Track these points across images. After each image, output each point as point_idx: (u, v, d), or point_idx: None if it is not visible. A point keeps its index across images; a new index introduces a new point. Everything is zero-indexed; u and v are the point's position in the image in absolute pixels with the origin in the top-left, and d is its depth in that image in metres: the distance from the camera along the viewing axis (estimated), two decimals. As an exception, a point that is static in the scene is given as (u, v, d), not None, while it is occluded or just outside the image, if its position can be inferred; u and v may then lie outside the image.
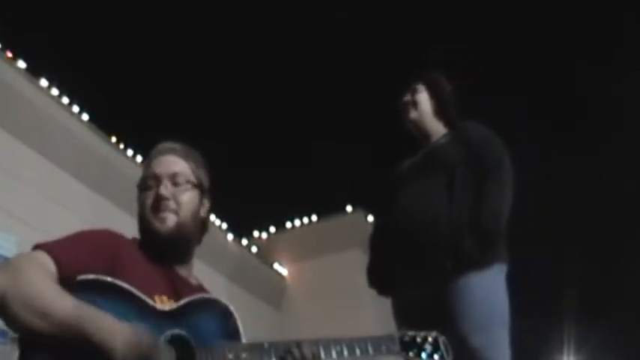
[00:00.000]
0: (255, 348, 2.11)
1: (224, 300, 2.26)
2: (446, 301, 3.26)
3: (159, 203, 2.37)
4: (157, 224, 2.36)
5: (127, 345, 1.90)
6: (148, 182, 2.42)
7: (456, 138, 3.58)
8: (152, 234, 2.36)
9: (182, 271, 2.41)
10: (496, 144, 3.54)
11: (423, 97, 3.75)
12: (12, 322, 1.93)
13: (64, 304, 1.94)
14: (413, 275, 3.37)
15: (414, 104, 3.74)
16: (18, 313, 1.90)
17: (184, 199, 2.41)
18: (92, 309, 1.95)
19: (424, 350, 2.42)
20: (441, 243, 3.29)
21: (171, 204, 2.38)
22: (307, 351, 2.18)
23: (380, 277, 3.69)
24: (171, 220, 2.36)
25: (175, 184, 2.41)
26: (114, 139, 9.33)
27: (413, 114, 3.74)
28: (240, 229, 12.40)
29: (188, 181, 2.44)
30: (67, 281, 2.01)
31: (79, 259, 2.07)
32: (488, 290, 3.29)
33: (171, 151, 2.49)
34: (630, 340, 15.07)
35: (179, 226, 2.37)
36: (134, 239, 2.41)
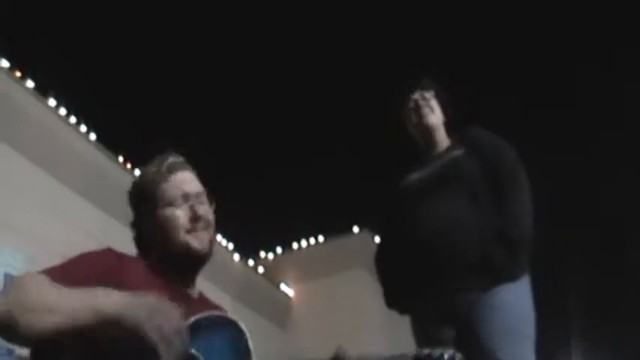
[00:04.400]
0: None
1: (234, 317, 2.25)
2: (475, 316, 3.19)
3: (197, 223, 2.36)
4: (195, 244, 2.34)
5: (146, 305, 1.89)
6: (175, 200, 2.39)
7: (469, 148, 3.49)
8: (187, 253, 2.34)
9: (192, 291, 2.41)
10: (507, 151, 3.47)
11: (435, 105, 3.64)
12: (25, 332, 1.89)
13: (68, 294, 1.93)
14: (440, 291, 3.28)
15: (431, 107, 3.62)
16: (28, 320, 1.87)
17: (212, 219, 2.43)
18: (97, 289, 1.95)
19: None
20: (472, 258, 3.22)
21: (205, 223, 2.38)
22: None
23: (400, 296, 3.59)
24: (207, 239, 2.37)
25: (201, 202, 2.41)
26: (121, 159, 9.36)
27: (431, 119, 3.60)
28: (247, 249, 12.43)
29: (206, 199, 2.46)
30: None
31: (80, 278, 2.05)
32: (518, 304, 3.24)
33: (186, 168, 2.49)
34: (636, 341, 15.02)
35: (211, 245, 2.39)
36: (138, 258, 2.40)
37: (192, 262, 2.37)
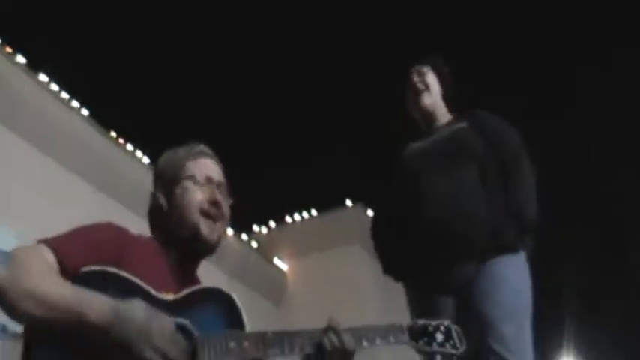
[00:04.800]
0: (259, 337, 2.10)
1: (227, 290, 2.24)
2: (479, 287, 3.20)
3: (213, 209, 2.36)
4: (205, 230, 2.33)
5: (122, 320, 1.88)
6: (198, 178, 2.40)
7: (473, 125, 3.50)
8: (195, 235, 2.33)
9: (193, 272, 2.41)
10: (514, 134, 3.49)
11: (432, 80, 3.65)
12: (13, 312, 1.92)
13: (62, 291, 1.92)
14: (448, 261, 3.28)
15: (427, 87, 3.63)
16: (19, 304, 1.89)
17: (227, 213, 2.43)
18: (90, 292, 1.94)
19: (435, 339, 2.37)
20: (480, 231, 3.22)
21: (220, 214, 2.38)
22: (346, 337, 2.18)
23: (397, 263, 3.58)
24: (218, 231, 2.37)
25: (221, 193, 2.42)
26: (114, 134, 9.33)
27: (427, 99, 3.62)
28: (240, 224, 12.43)
29: (227, 195, 2.46)
30: (71, 273, 2.00)
31: (81, 252, 2.05)
32: (519, 278, 3.26)
33: (214, 158, 2.51)
34: (629, 340, 15.12)
35: (220, 237, 2.39)
36: (143, 235, 2.38)
37: (198, 247, 2.36)
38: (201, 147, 2.52)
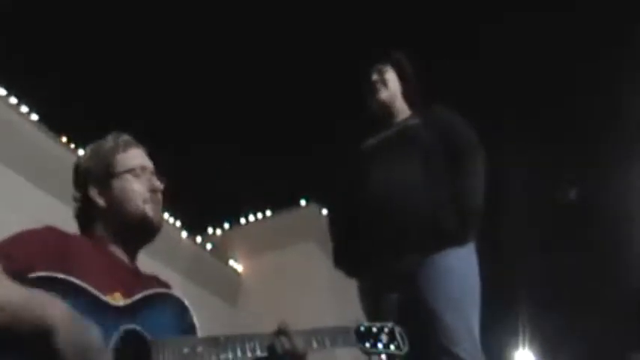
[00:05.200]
0: (211, 342, 2.11)
1: (178, 294, 2.25)
2: (423, 277, 3.23)
3: (156, 195, 2.42)
4: (151, 213, 2.38)
5: (71, 333, 1.81)
6: (135, 170, 2.43)
7: (428, 120, 3.56)
8: (144, 223, 2.37)
9: (136, 265, 2.42)
10: (466, 126, 3.55)
11: (392, 77, 3.73)
12: None
13: (12, 290, 1.85)
14: (390, 253, 3.32)
15: (384, 84, 3.71)
16: None
17: (162, 195, 2.47)
18: (44, 293, 1.88)
19: (380, 341, 2.43)
20: (422, 221, 3.26)
21: (161, 198, 2.44)
22: (297, 340, 2.21)
23: (348, 258, 3.63)
24: (160, 213, 2.43)
25: (157, 179, 2.47)
26: (64, 139, 9.25)
27: (384, 94, 3.69)
28: (194, 226, 12.39)
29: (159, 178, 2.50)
30: (16, 279, 1.92)
31: (24, 257, 2.01)
32: (465, 268, 3.30)
33: (139, 146, 2.54)
34: (579, 330, 15.33)
35: (162, 219, 2.45)
36: (82, 236, 2.38)
37: (146, 232, 2.41)
38: (125, 137, 2.53)
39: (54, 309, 1.85)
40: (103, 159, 2.45)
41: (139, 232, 2.39)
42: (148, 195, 2.40)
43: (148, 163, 2.49)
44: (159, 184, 2.45)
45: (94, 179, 2.42)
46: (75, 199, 2.47)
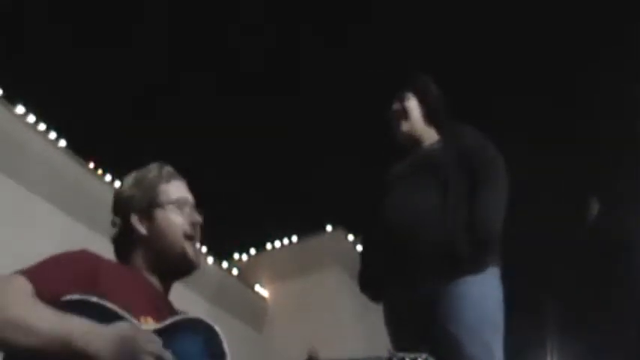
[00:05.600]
0: None
1: (209, 320, 2.25)
2: (440, 306, 3.20)
3: (196, 229, 2.42)
4: (191, 253, 2.38)
5: (111, 343, 1.89)
6: (179, 202, 2.43)
7: (448, 143, 3.51)
8: (184, 261, 2.38)
9: (168, 295, 2.42)
10: (489, 147, 3.48)
11: (413, 105, 3.65)
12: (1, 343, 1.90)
13: (46, 316, 1.91)
14: (406, 280, 3.30)
15: (405, 114, 3.65)
16: (6, 333, 1.88)
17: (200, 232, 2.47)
18: (78, 318, 1.93)
19: None
20: (435, 248, 3.22)
21: (201, 234, 2.43)
22: None
23: (372, 283, 3.61)
24: (198, 251, 2.42)
25: (197, 213, 2.46)
26: (92, 165, 9.31)
27: (405, 126, 3.64)
28: (220, 251, 12.40)
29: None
30: (49, 302, 1.97)
31: (58, 281, 2.04)
32: (483, 295, 3.23)
33: (182, 178, 2.53)
34: (611, 348, 15.13)
35: (200, 256, 2.45)
36: (116, 262, 2.39)
37: (184, 270, 2.41)
38: (169, 168, 2.52)
39: (81, 333, 1.89)
40: (148, 188, 2.44)
41: (176, 267, 2.39)
42: (189, 229, 2.39)
43: (190, 197, 2.48)
44: (199, 219, 2.44)
45: (136, 207, 2.42)
46: (113, 224, 2.46)
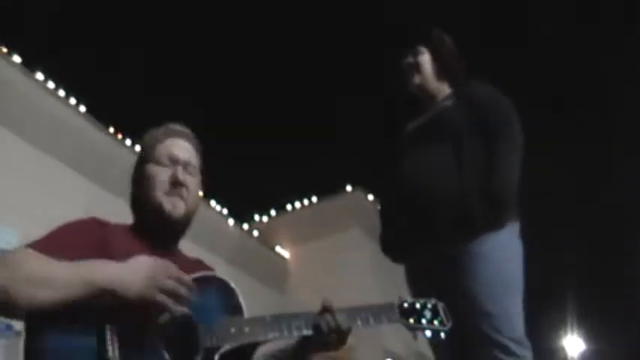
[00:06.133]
0: (258, 321, 2.16)
1: (224, 275, 2.29)
2: (459, 266, 3.18)
3: (175, 187, 2.38)
4: (168, 207, 2.35)
5: (141, 271, 1.96)
6: (162, 159, 2.42)
7: (460, 100, 3.47)
8: (160, 214, 2.36)
9: (176, 251, 2.44)
10: (503, 103, 3.43)
11: (425, 59, 3.60)
12: (23, 306, 1.91)
13: (63, 267, 1.96)
14: (425, 241, 3.28)
15: (417, 67, 3.60)
16: (26, 294, 1.89)
17: (194, 190, 2.44)
18: (91, 261, 1.99)
19: (424, 317, 2.45)
20: (452, 209, 3.21)
21: (184, 192, 2.39)
22: (341, 317, 2.25)
23: (393, 244, 3.63)
24: (181, 207, 2.37)
25: (188, 172, 2.43)
26: (112, 130, 9.35)
27: (416, 79, 3.59)
28: (241, 213, 12.47)
29: (197, 172, 2.48)
30: None
31: (66, 248, 2.06)
32: (503, 253, 3.21)
33: (185, 136, 2.50)
34: (629, 315, 15.16)
35: (187, 214, 2.40)
36: (123, 225, 2.41)
37: (164, 224, 2.38)
38: (173, 126, 2.52)
39: (102, 270, 1.96)
40: (144, 146, 2.48)
41: (157, 223, 2.38)
42: (167, 187, 2.37)
43: (183, 155, 2.45)
44: (185, 179, 2.40)
45: (135, 165, 2.47)
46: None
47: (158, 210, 2.35)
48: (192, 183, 2.44)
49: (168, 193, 2.37)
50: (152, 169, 2.40)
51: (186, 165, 2.43)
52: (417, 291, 3.26)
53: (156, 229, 2.38)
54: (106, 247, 2.16)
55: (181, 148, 2.47)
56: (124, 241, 2.25)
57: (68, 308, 1.90)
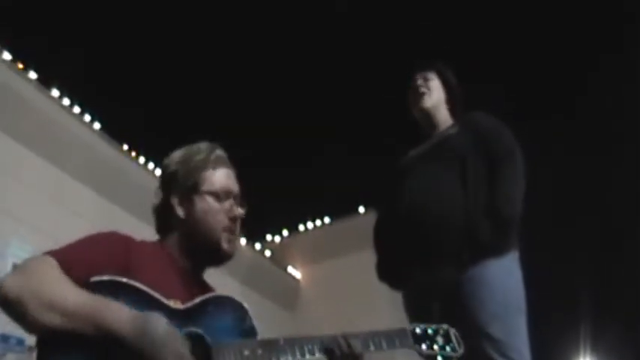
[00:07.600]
0: (271, 344, 2.15)
1: (238, 297, 2.28)
2: (463, 291, 3.20)
3: (234, 225, 2.41)
4: (226, 246, 2.38)
5: (137, 329, 1.92)
6: (219, 192, 2.41)
7: (465, 128, 3.51)
8: (217, 250, 2.38)
9: (201, 277, 2.44)
10: (506, 133, 3.49)
11: (436, 85, 3.68)
12: (27, 320, 1.93)
13: (75, 296, 1.95)
14: (427, 266, 3.29)
15: (429, 91, 3.66)
16: (33, 311, 1.90)
17: (240, 224, 2.46)
18: (103, 299, 1.97)
19: (436, 342, 2.45)
20: (457, 232, 3.23)
21: (238, 227, 2.43)
22: (354, 342, 2.25)
23: (391, 270, 3.60)
24: (235, 244, 2.42)
25: (240, 205, 2.46)
26: (126, 147, 9.38)
27: (428, 102, 3.64)
28: (253, 233, 12.44)
29: (242, 202, 2.49)
30: (78, 283, 2.01)
31: (87, 262, 2.07)
32: (505, 278, 3.25)
33: (230, 164, 2.51)
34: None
35: (236, 248, 2.43)
36: (149, 242, 2.40)
37: (216, 261, 2.41)
38: (219, 152, 2.50)
39: (113, 316, 1.93)
40: (192, 170, 2.42)
41: (208, 256, 2.40)
42: (228, 223, 2.38)
43: (235, 187, 2.47)
44: (240, 213, 2.42)
45: (177, 188, 2.41)
46: (156, 196, 2.47)
47: (215, 246, 2.37)
48: (242, 216, 2.44)
49: (226, 229, 2.37)
50: (208, 202, 2.38)
51: (237, 197, 2.45)
52: (416, 317, 3.26)
53: (204, 261, 2.41)
54: (129, 261, 2.15)
55: (232, 179, 2.48)
56: (153, 260, 2.25)
57: (73, 337, 1.91)
